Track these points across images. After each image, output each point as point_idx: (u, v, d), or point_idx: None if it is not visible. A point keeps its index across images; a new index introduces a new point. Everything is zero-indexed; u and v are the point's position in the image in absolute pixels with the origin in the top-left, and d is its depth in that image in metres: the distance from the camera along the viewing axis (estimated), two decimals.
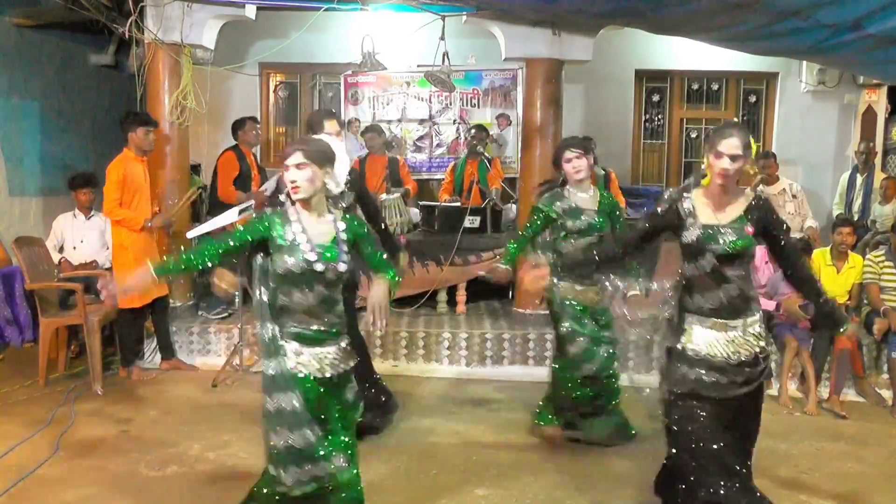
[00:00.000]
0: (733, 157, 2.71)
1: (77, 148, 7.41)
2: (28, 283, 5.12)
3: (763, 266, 5.49)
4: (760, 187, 6.76)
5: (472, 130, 6.82)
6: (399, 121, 7.63)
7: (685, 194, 2.87)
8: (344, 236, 2.77)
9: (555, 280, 4.01)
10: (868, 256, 5.59)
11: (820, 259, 5.60)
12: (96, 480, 3.69)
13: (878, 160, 7.43)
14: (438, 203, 6.52)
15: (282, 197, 3.49)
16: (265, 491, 2.84)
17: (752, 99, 8.16)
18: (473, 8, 5.57)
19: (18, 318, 5.49)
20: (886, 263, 5.41)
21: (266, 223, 2.75)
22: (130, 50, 5.96)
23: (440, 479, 3.79)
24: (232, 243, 2.76)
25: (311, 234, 2.72)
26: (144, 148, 5.24)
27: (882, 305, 5.33)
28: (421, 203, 6.81)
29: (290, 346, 2.75)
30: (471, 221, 6.04)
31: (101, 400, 4.90)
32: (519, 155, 7.23)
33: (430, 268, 5.99)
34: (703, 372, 2.84)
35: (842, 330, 3.01)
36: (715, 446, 2.82)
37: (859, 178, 7.09)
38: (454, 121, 7.59)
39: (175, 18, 5.53)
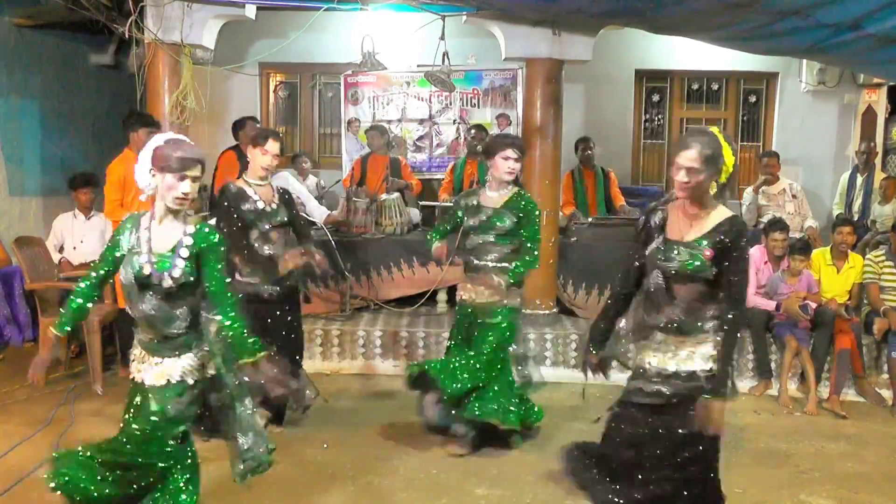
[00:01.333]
0: (689, 171, 2.55)
1: (77, 148, 7.41)
2: (28, 282, 5.12)
3: (763, 266, 5.50)
4: (762, 188, 6.78)
5: (472, 131, 6.81)
6: (399, 121, 7.62)
7: (659, 208, 2.75)
8: (187, 244, 2.60)
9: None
10: (868, 256, 5.59)
11: (820, 259, 5.61)
12: None
13: (878, 160, 7.44)
14: (438, 203, 6.52)
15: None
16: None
17: (752, 99, 8.15)
18: (473, 8, 5.57)
19: (18, 318, 5.49)
20: (886, 263, 5.41)
21: (122, 227, 2.67)
22: (130, 50, 5.95)
23: (440, 479, 3.79)
24: (103, 270, 2.70)
25: (154, 241, 2.61)
26: None
27: (882, 305, 5.33)
28: (421, 203, 6.81)
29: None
30: None
31: (101, 400, 4.90)
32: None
33: (430, 268, 5.99)
34: (644, 383, 2.74)
35: (713, 399, 2.61)
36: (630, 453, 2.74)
37: (859, 178, 7.09)
38: (454, 121, 7.59)
39: (175, 18, 5.52)
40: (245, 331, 2.67)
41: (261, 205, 4.08)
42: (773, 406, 5.10)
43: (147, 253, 2.59)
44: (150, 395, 2.65)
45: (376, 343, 5.62)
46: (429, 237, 4.36)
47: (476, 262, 4.05)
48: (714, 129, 2.65)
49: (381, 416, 4.66)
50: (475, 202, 4.08)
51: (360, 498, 3.58)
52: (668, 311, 2.68)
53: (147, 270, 2.57)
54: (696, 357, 2.67)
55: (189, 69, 5.68)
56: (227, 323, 2.64)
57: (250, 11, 5.76)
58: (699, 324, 2.67)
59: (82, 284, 2.74)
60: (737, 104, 8.16)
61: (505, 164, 3.96)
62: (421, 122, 7.63)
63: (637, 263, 2.81)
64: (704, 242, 2.61)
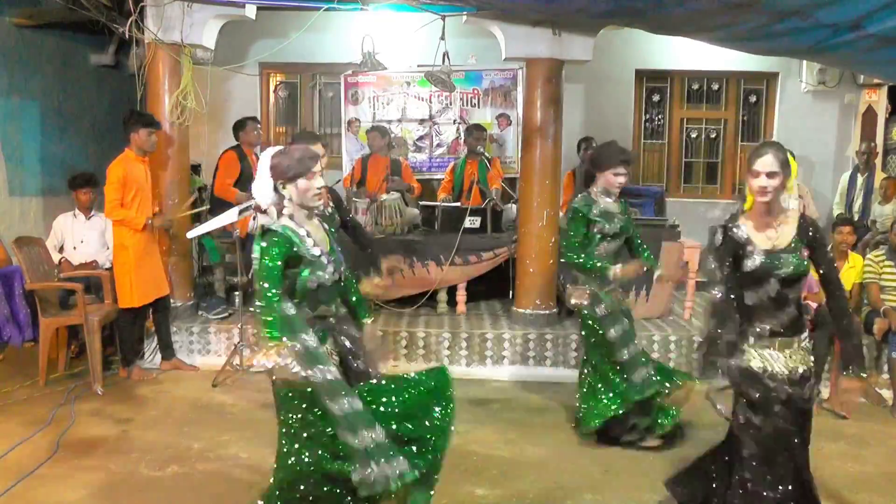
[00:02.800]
0: (770, 175, 2.73)
1: (77, 148, 7.41)
2: (28, 283, 5.12)
3: None
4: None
5: (472, 130, 6.80)
6: (399, 121, 7.62)
7: (734, 222, 2.87)
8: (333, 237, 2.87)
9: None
10: (868, 256, 5.59)
11: None
12: (96, 480, 3.69)
13: (878, 160, 7.44)
14: (438, 203, 6.52)
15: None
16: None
17: (752, 99, 8.16)
18: (474, 8, 5.57)
19: (18, 318, 5.48)
20: (886, 263, 5.41)
21: (286, 240, 2.66)
22: (130, 50, 5.96)
23: (440, 479, 3.79)
24: (278, 284, 2.62)
25: (320, 244, 2.77)
26: (146, 149, 5.24)
27: (882, 305, 5.33)
28: (421, 203, 6.81)
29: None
30: (471, 221, 6.04)
31: (101, 400, 4.90)
32: (519, 155, 7.23)
33: (430, 268, 5.99)
34: (772, 385, 2.82)
35: (861, 375, 2.88)
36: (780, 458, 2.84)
37: (860, 178, 7.10)
38: (454, 121, 7.59)
39: (175, 18, 5.52)
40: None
41: (328, 210, 4.15)
42: None
43: (325, 255, 2.76)
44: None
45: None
46: (583, 259, 4.15)
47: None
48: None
49: None
50: (606, 209, 4.16)
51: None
52: (781, 315, 2.84)
53: (334, 270, 2.77)
54: (803, 352, 2.88)
55: (189, 69, 5.68)
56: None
57: (250, 11, 5.76)
58: (802, 321, 2.89)
59: (285, 306, 2.64)
60: (737, 104, 8.17)
61: (616, 180, 4.11)
62: (421, 122, 7.63)
63: (731, 279, 2.87)
64: (801, 243, 2.81)
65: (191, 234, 5.56)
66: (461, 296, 6.12)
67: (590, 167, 4.27)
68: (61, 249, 5.87)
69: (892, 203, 6.75)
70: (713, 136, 8.26)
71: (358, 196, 6.27)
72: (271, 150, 2.75)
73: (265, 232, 2.67)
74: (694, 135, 8.28)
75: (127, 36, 5.58)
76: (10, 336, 5.45)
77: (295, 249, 2.65)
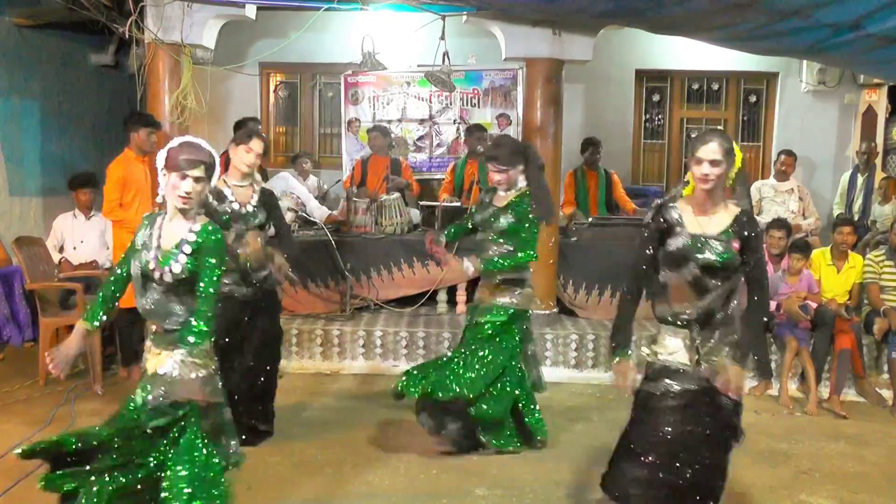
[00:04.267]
0: (713, 163, 2.70)
1: (77, 148, 7.41)
2: (28, 282, 5.12)
3: None
4: (772, 182, 6.78)
5: (472, 130, 6.78)
6: (399, 121, 7.62)
7: (671, 203, 2.85)
8: (190, 240, 2.67)
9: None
10: (868, 256, 5.59)
11: (820, 259, 5.61)
12: None
13: (878, 160, 7.44)
14: (439, 203, 6.52)
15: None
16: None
17: (752, 99, 8.15)
18: (474, 8, 5.57)
19: (18, 318, 5.49)
20: (886, 263, 5.41)
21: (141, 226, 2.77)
22: (130, 50, 5.96)
23: (440, 479, 3.79)
24: (125, 266, 2.77)
25: (164, 238, 2.69)
26: (145, 149, 5.24)
27: (882, 305, 5.33)
28: (421, 203, 6.81)
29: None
30: None
31: (102, 400, 4.90)
32: None
33: (430, 268, 5.99)
34: (668, 381, 2.80)
35: (764, 379, 2.99)
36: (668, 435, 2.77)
37: (860, 178, 7.09)
38: (454, 121, 7.58)
39: (175, 18, 5.52)
40: (200, 345, 2.64)
41: (236, 206, 4.00)
42: (773, 406, 5.09)
43: (155, 249, 2.67)
44: (144, 385, 2.69)
45: (376, 343, 5.62)
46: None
47: None
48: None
49: (381, 416, 4.65)
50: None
51: (360, 498, 3.58)
52: (698, 303, 2.78)
53: (152, 265, 2.65)
54: (724, 346, 2.78)
55: (189, 69, 5.68)
56: (192, 328, 2.64)
57: (250, 11, 5.76)
58: (727, 313, 2.81)
59: (109, 279, 2.85)
60: (737, 104, 8.16)
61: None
62: (421, 122, 7.63)
63: (650, 259, 2.86)
64: (732, 234, 2.75)
65: None
66: (461, 296, 6.11)
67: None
68: (61, 249, 5.87)
69: (892, 203, 6.75)
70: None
71: (358, 196, 6.27)
72: (183, 138, 2.76)
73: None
74: (694, 135, 8.26)
75: (127, 36, 5.58)
76: (10, 336, 5.46)
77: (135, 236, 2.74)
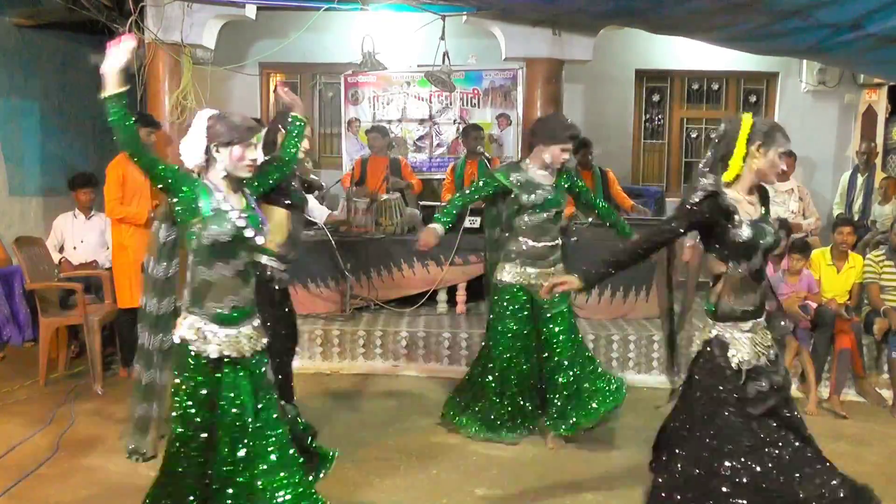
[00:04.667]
0: (788, 154, 2.80)
1: (77, 148, 7.41)
2: (28, 282, 5.12)
3: None
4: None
5: (469, 131, 6.76)
6: (399, 121, 7.62)
7: (723, 190, 2.69)
8: (253, 199, 2.76)
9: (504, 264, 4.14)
10: (868, 256, 5.59)
11: (820, 259, 5.60)
12: (96, 480, 3.69)
13: (878, 160, 7.44)
14: (439, 203, 6.51)
15: None
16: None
17: (753, 99, 8.16)
18: (474, 8, 5.57)
19: (18, 318, 5.49)
20: (886, 263, 5.41)
21: (194, 185, 2.62)
22: None
23: (440, 479, 3.79)
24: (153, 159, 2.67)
25: (232, 202, 2.66)
26: None
27: (882, 305, 5.33)
28: (421, 203, 6.80)
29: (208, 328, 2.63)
30: (471, 221, 6.03)
31: (102, 400, 4.90)
32: (519, 155, 7.23)
33: (430, 268, 5.99)
34: (763, 384, 2.69)
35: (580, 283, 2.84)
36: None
37: (860, 178, 7.09)
38: (454, 121, 7.58)
39: (175, 18, 5.53)
40: None
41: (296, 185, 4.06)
42: None
43: (238, 212, 2.62)
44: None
45: (376, 343, 5.62)
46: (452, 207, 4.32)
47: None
48: None
49: (381, 416, 4.65)
50: (530, 180, 4.15)
51: (360, 498, 3.58)
52: (758, 293, 2.73)
53: (243, 224, 2.61)
54: (769, 339, 2.75)
55: (189, 69, 5.69)
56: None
57: (250, 11, 5.77)
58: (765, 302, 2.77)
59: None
60: (737, 104, 8.16)
61: (561, 155, 4.08)
62: (421, 122, 7.63)
63: (681, 229, 2.73)
64: (768, 214, 2.81)
65: None
66: (461, 296, 6.12)
67: (530, 138, 4.20)
68: (61, 249, 5.87)
69: (892, 203, 6.75)
70: (713, 136, 8.25)
71: (358, 196, 6.27)
72: (208, 112, 2.70)
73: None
74: (694, 135, 8.28)
75: None
76: (10, 336, 5.46)
77: (197, 199, 2.59)
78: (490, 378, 4.18)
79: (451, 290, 6.13)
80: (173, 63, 5.63)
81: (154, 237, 2.78)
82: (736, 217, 2.66)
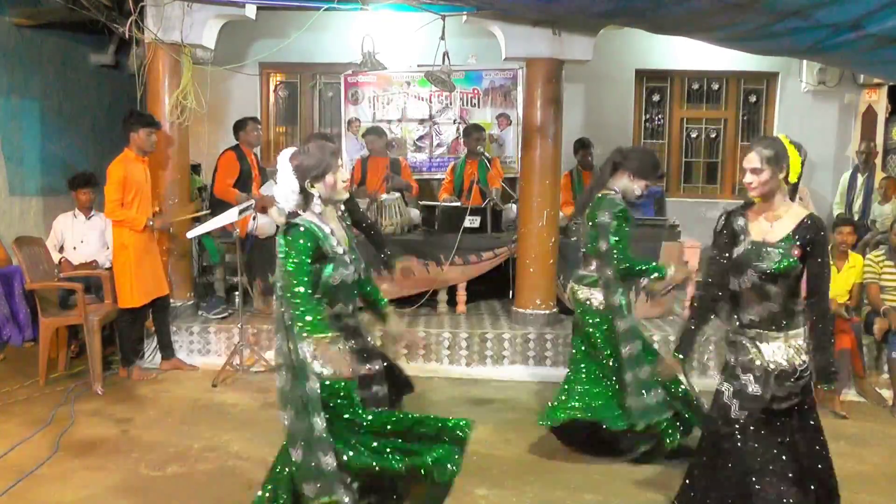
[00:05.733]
0: (753, 171, 2.81)
1: (77, 148, 7.41)
2: (28, 282, 5.12)
3: None
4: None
5: (470, 131, 6.77)
6: (399, 121, 7.62)
7: (740, 212, 2.95)
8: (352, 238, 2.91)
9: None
10: (868, 256, 5.59)
11: None
12: (96, 480, 3.69)
13: (878, 160, 7.44)
14: (438, 203, 6.52)
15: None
16: None
17: (752, 99, 8.16)
18: (474, 8, 5.57)
19: (18, 318, 5.49)
20: (886, 263, 5.41)
21: (311, 235, 2.67)
22: (130, 50, 5.96)
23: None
24: (311, 288, 2.66)
25: (342, 241, 2.81)
26: (146, 149, 5.24)
27: (882, 305, 5.33)
28: (421, 203, 6.81)
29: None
30: (471, 221, 6.04)
31: (101, 400, 4.90)
32: (519, 155, 7.23)
33: (430, 268, 5.99)
34: (750, 380, 2.88)
35: (825, 387, 2.96)
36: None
37: (860, 178, 7.10)
38: (454, 121, 7.59)
39: (175, 18, 5.52)
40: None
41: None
42: None
43: (348, 252, 2.81)
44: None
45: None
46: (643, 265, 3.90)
47: None
48: (781, 136, 2.89)
49: None
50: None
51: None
52: (759, 308, 2.89)
53: (354, 268, 2.83)
54: (791, 349, 2.88)
55: (189, 69, 5.68)
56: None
57: (250, 11, 5.76)
58: (792, 318, 2.89)
59: (310, 300, 2.65)
60: (737, 104, 8.17)
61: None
62: (421, 122, 7.64)
63: (723, 265, 2.96)
64: (793, 241, 2.82)
65: (191, 234, 5.57)
66: (461, 296, 6.12)
67: (625, 165, 4.00)
68: (61, 249, 5.87)
69: (892, 203, 6.75)
70: (713, 135, 8.27)
71: (358, 196, 6.27)
72: (288, 152, 2.73)
73: (289, 227, 2.67)
74: (694, 135, 8.28)
75: (127, 36, 5.58)
76: (10, 336, 5.46)
77: (319, 245, 2.66)
78: None
79: (452, 290, 6.14)
80: (173, 63, 5.63)
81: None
82: (741, 236, 2.89)
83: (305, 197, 2.70)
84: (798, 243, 2.81)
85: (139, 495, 3.57)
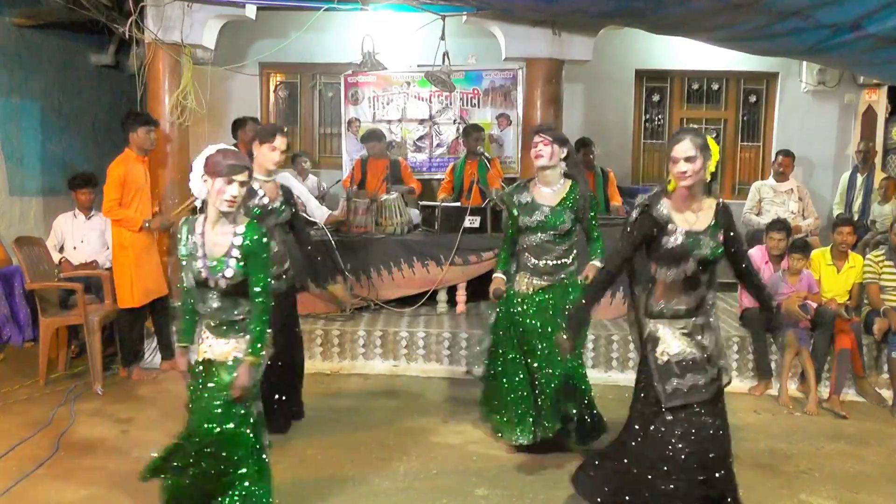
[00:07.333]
0: (687, 159, 2.82)
1: (77, 148, 7.41)
2: (28, 282, 5.12)
3: (763, 266, 5.50)
4: (771, 182, 6.78)
5: (470, 131, 6.76)
6: (399, 121, 7.62)
7: (657, 201, 2.94)
8: (237, 244, 2.83)
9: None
10: (868, 256, 5.59)
11: (820, 259, 5.61)
12: (96, 480, 3.69)
13: (878, 160, 7.44)
14: (438, 203, 6.53)
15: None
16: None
17: (752, 99, 8.16)
18: (473, 8, 5.57)
19: (18, 318, 5.49)
20: (886, 263, 5.41)
21: (185, 231, 2.89)
22: (130, 50, 5.97)
23: (440, 479, 3.79)
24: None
25: (208, 245, 2.85)
26: (146, 147, 5.24)
27: (882, 305, 5.33)
28: (421, 203, 6.81)
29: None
30: (471, 221, 6.04)
31: (101, 400, 4.90)
32: (519, 155, 7.23)
33: (430, 268, 5.99)
34: (692, 376, 2.92)
35: (777, 334, 3.07)
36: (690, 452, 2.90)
37: (859, 178, 7.10)
38: (454, 121, 7.59)
39: (175, 18, 5.52)
40: (260, 335, 2.87)
41: (266, 201, 4.06)
42: (773, 406, 5.09)
43: (202, 258, 2.83)
44: (219, 370, 2.90)
45: (376, 343, 5.62)
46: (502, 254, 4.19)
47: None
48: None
49: (381, 416, 4.65)
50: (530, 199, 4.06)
51: (360, 498, 3.58)
52: (692, 297, 2.94)
53: (204, 274, 2.82)
54: (710, 337, 2.96)
55: (189, 69, 5.68)
56: (252, 325, 2.87)
57: (250, 11, 5.76)
58: (707, 306, 3.00)
59: (184, 294, 3.00)
60: (737, 104, 8.17)
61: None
62: (421, 122, 7.64)
63: (631, 254, 3.01)
64: (718, 228, 2.91)
65: None
66: (461, 296, 6.12)
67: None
68: (61, 249, 5.87)
69: (892, 203, 6.75)
70: (713, 136, 8.26)
71: (358, 196, 6.27)
72: (218, 146, 2.90)
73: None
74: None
75: (127, 36, 5.59)
76: (10, 336, 5.46)
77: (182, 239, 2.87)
78: None
79: (451, 290, 6.14)
80: (173, 63, 5.63)
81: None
82: (670, 225, 2.89)
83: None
84: (721, 229, 2.91)
85: (139, 495, 3.57)
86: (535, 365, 3.92)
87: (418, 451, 4.11)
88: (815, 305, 5.26)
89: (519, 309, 3.99)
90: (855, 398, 5.29)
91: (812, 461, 4.17)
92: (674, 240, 2.88)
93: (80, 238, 5.88)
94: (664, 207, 2.92)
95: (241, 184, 2.78)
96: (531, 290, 3.99)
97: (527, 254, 4.00)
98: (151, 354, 5.61)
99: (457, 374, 5.51)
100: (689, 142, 2.83)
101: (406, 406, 4.80)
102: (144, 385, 5.21)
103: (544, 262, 3.96)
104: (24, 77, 6.72)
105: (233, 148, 2.95)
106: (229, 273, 2.79)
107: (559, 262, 3.98)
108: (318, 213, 6.14)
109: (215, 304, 2.88)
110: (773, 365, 5.40)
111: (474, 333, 5.61)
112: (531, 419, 3.97)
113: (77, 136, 7.44)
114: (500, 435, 4.12)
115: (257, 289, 2.83)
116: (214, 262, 2.81)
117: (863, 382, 5.31)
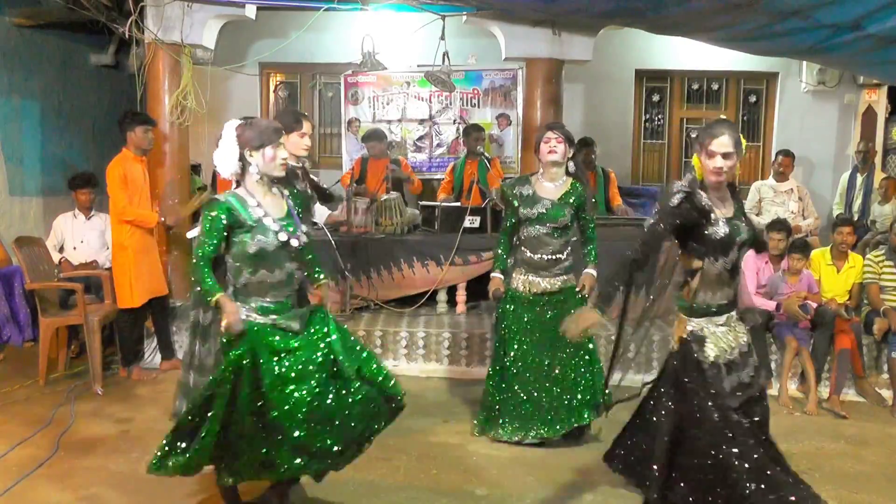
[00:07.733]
0: (726, 156, 2.73)
1: (77, 148, 7.41)
2: (28, 282, 5.12)
3: (763, 266, 5.50)
4: (771, 182, 6.78)
5: (470, 131, 6.77)
6: (399, 121, 7.62)
7: (694, 187, 2.76)
8: (291, 206, 3.03)
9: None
10: (868, 256, 5.59)
11: (820, 259, 5.61)
12: (96, 480, 3.69)
13: (878, 160, 7.44)
14: (438, 203, 6.53)
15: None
16: None
17: (752, 99, 8.16)
18: (473, 8, 5.57)
19: (18, 318, 5.49)
20: (886, 263, 5.41)
21: (227, 207, 2.87)
22: (130, 50, 5.96)
23: (440, 479, 3.79)
24: (214, 244, 2.89)
25: (271, 212, 2.93)
26: (144, 147, 5.24)
27: (882, 305, 5.33)
28: (421, 203, 6.81)
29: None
30: (471, 221, 6.04)
31: (101, 400, 4.90)
32: (519, 155, 7.23)
33: (430, 268, 5.99)
34: (737, 375, 2.84)
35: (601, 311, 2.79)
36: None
37: (859, 178, 7.10)
38: (454, 121, 7.59)
39: (175, 18, 5.53)
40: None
41: (302, 187, 3.97)
42: (773, 406, 5.01)
43: (276, 222, 2.90)
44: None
45: (376, 343, 5.62)
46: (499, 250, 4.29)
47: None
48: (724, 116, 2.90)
49: None
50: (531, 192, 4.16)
51: (360, 498, 3.58)
52: (731, 288, 2.85)
53: (284, 236, 2.89)
54: (744, 330, 2.89)
55: (189, 69, 5.68)
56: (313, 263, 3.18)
57: (250, 11, 5.76)
58: (737, 298, 2.91)
59: (202, 260, 2.89)
60: (737, 104, 8.17)
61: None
62: (421, 122, 7.64)
63: (669, 230, 2.76)
64: (740, 212, 2.88)
65: (191, 234, 5.56)
66: (461, 296, 6.12)
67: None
68: (61, 249, 5.87)
69: (892, 203, 6.75)
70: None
71: (358, 195, 6.27)
72: (234, 122, 2.92)
73: (210, 201, 2.90)
74: (694, 135, 8.28)
75: (127, 36, 5.59)
76: (10, 336, 5.45)
77: (235, 215, 2.85)
78: None
79: (451, 290, 6.14)
80: (173, 63, 5.63)
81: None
82: (712, 215, 2.75)
83: (243, 165, 2.89)
84: (743, 213, 2.90)
85: (139, 495, 3.57)
86: (547, 363, 4.08)
87: (418, 451, 4.11)
88: (815, 305, 5.26)
89: (519, 311, 4.13)
90: (855, 398, 5.29)
91: (812, 461, 4.17)
92: (720, 229, 2.75)
93: (79, 238, 5.88)
94: (703, 197, 2.76)
95: (284, 146, 2.92)
96: (528, 290, 4.02)
97: (523, 248, 4.09)
98: (151, 354, 5.60)
99: (457, 374, 5.51)
100: (728, 136, 2.70)
101: (406, 406, 4.79)
102: (144, 385, 5.21)
103: (540, 256, 4.05)
104: (24, 77, 6.72)
105: (250, 116, 3.03)
106: (304, 228, 2.99)
107: (554, 256, 4.06)
108: (319, 212, 6.14)
109: (287, 271, 2.95)
110: (773, 365, 5.40)
111: (474, 333, 5.61)
112: (536, 418, 4.08)
113: (77, 136, 7.44)
114: (489, 432, 4.22)
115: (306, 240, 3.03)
116: (285, 223, 2.91)
117: (863, 382, 5.31)
